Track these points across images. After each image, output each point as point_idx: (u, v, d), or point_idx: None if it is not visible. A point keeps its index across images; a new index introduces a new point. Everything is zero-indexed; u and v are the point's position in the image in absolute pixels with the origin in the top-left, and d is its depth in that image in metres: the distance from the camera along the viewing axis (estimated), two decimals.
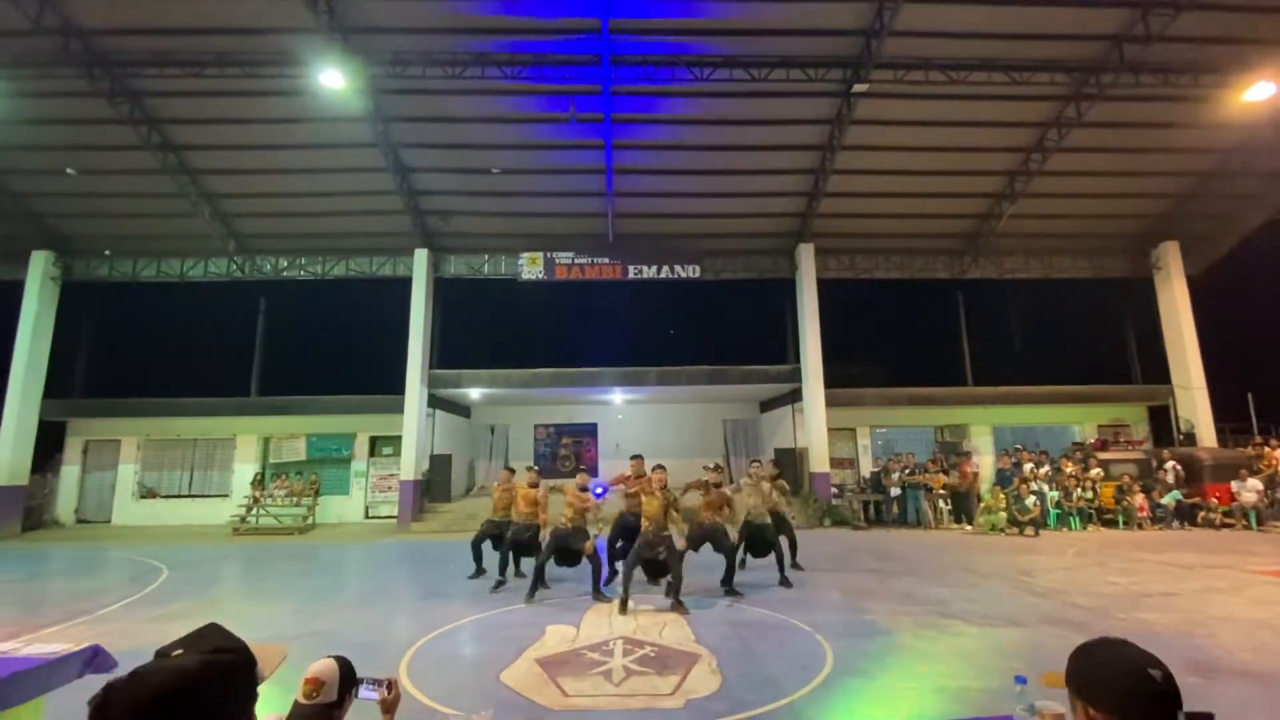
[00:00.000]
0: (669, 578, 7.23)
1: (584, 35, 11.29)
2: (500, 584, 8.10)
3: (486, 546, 8.69)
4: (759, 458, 8.88)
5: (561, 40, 11.41)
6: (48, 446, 16.17)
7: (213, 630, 1.22)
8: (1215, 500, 13.10)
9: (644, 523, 7.20)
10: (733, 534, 8.05)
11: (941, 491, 14.36)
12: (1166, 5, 10.69)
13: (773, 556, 8.19)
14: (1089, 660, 1.22)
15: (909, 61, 11.65)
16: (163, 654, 1.13)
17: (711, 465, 8.12)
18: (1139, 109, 13.08)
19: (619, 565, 7.72)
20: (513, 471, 9.06)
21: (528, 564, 8.47)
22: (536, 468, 8.97)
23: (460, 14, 11.04)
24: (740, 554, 8.53)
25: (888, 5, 10.64)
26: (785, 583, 8.01)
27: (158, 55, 11.33)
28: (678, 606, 6.82)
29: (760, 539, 8.20)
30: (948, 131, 13.51)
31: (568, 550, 7.55)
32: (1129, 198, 15.71)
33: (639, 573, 7.52)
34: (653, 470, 7.41)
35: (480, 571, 8.66)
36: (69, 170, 13.71)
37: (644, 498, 7.27)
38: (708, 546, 7.78)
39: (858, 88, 11.89)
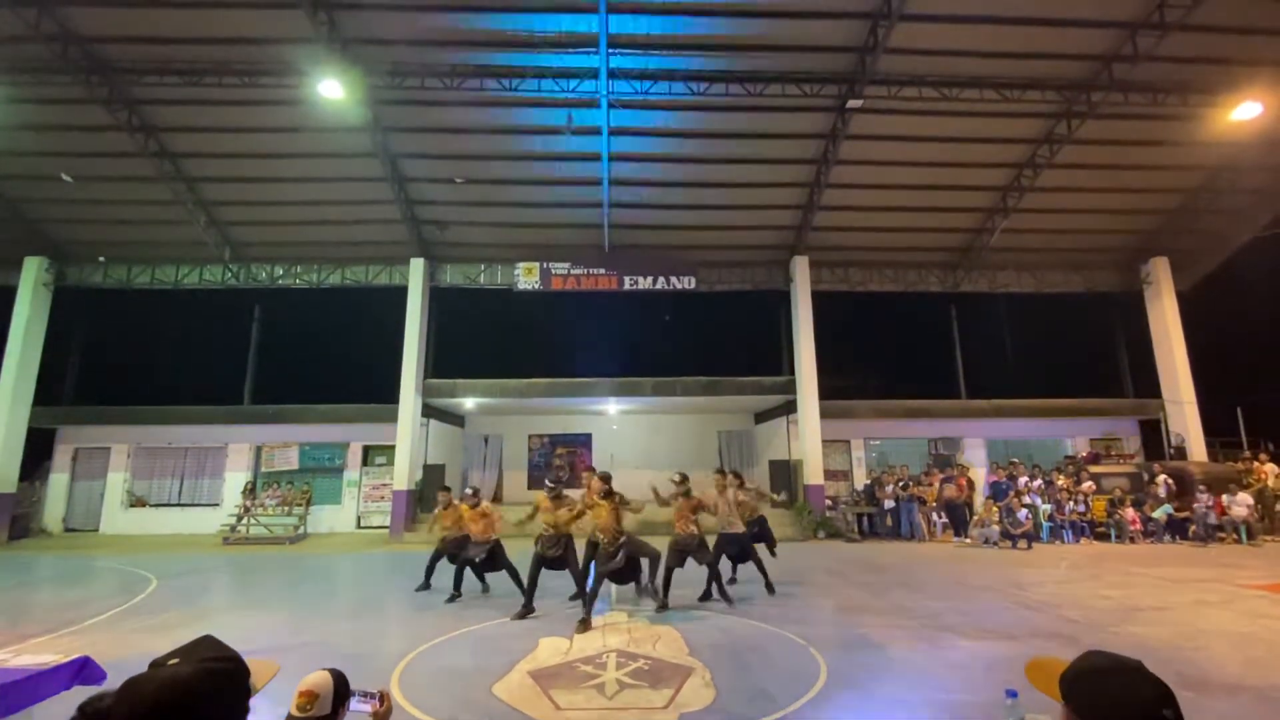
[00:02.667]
0: (648, 583, 7.26)
1: (583, 48, 11.41)
2: (454, 597, 8.11)
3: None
4: (721, 468, 8.73)
5: (560, 53, 11.53)
6: (36, 454, 16.01)
7: (207, 641, 1.23)
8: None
9: (599, 535, 7.15)
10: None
11: (934, 504, 14.39)
12: (1154, 26, 10.89)
13: (761, 565, 8.16)
14: (1098, 686, 1.15)
15: (902, 78, 11.81)
16: (158, 664, 1.13)
17: (677, 477, 8.10)
18: (1128, 127, 13.28)
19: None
20: (449, 490, 9.10)
21: (493, 581, 8.51)
22: (472, 489, 8.75)
23: (460, 26, 11.14)
24: (730, 571, 8.50)
25: (882, 23, 10.81)
26: (770, 589, 7.94)
27: (157, 63, 11.37)
28: (659, 602, 6.93)
29: (738, 549, 8.14)
30: (941, 147, 13.67)
31: (555, 559, 7.41)
32: (1119, 214, 15.90)
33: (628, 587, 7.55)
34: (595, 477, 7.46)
35: (427, 586, 8.65)
36: (65, 177, 13.68)
37: (589, 511, 7.19)
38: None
39: (852, 103, 12.04)
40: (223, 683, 1.13)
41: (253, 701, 1.21)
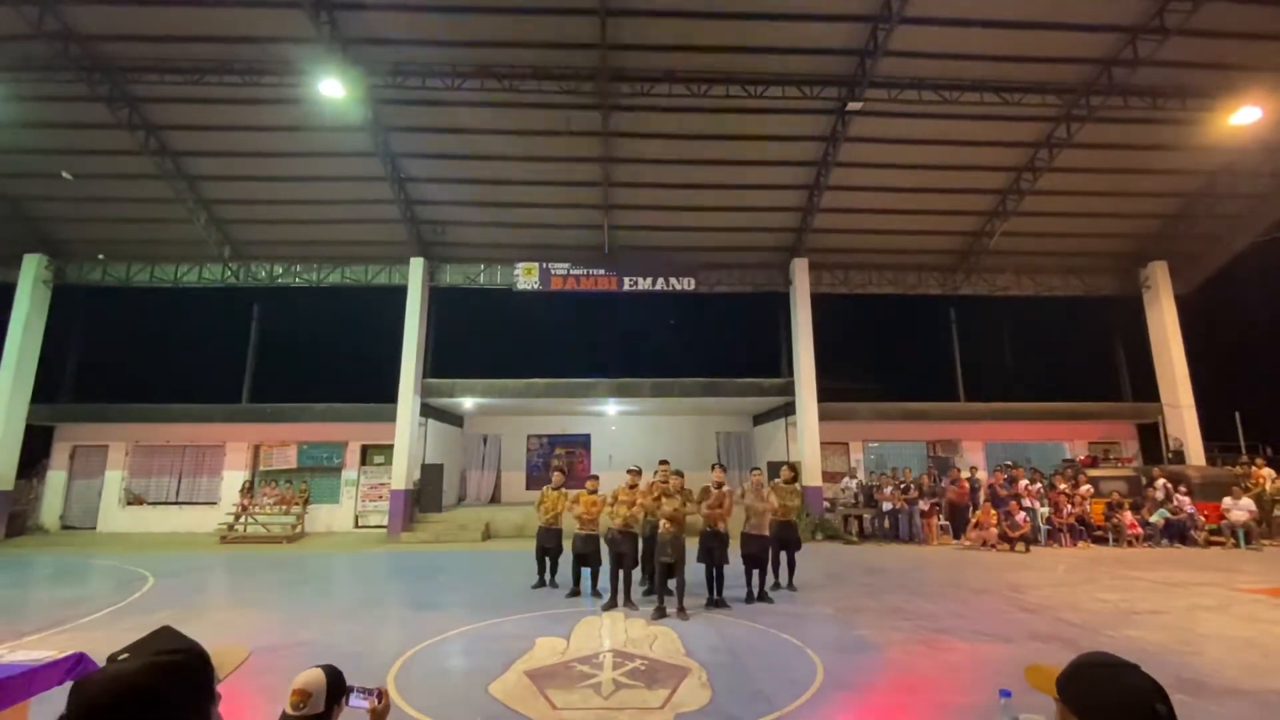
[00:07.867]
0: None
1: (583, 49, 11.42)
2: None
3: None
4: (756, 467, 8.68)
5: (561, 54, 11.54)
6: (34, 451, 15.98)
7: (164, 633, 1.20)
8: (1204, 518, 13.17)
9: (669, 526, 7.41)
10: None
11: (927, 508, 14.36)
12: (1154, 31, 10.92)
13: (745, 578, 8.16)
14: (1092, 681, 1.17)
15: (903, 81, 11.82)
16: (112, 659, 1.11)
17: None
18: (1128, 131, 13.31)
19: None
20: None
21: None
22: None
23: (461, 27, 11.15)
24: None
25: (882, 26, 10.83)
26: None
27: (158, 62, 11.38)
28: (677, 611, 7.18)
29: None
30: (940, 150, 13.69)
31: (583, 554, 8.27)
32: (1118, 217, 15.93)
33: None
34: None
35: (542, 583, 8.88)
36: (66, 174, 13.67)
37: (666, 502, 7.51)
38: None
39: (852, 105, 12.05)
40: (171, 677, 1.07)
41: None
